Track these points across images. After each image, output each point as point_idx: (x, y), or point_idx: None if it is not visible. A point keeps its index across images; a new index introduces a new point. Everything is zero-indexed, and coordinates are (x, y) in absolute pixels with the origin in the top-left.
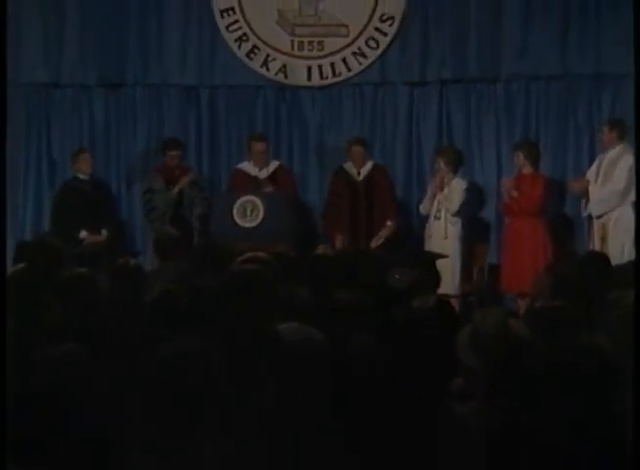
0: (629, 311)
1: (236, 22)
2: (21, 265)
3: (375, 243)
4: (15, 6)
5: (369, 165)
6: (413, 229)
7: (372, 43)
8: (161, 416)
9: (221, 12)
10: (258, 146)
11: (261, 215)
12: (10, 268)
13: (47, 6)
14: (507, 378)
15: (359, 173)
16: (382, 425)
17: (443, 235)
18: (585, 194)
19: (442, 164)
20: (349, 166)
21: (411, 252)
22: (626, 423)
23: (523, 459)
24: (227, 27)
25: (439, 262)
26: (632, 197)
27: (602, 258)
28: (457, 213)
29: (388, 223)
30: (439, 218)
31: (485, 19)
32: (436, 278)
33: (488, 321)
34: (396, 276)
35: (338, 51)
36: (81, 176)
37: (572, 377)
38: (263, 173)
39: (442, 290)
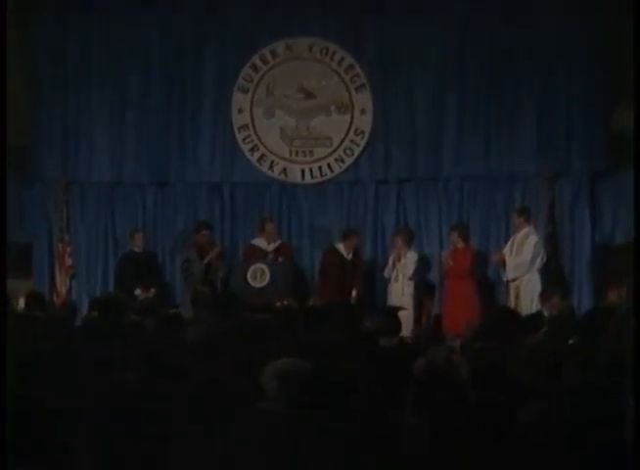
0: (533, 348)
1: (249, 136)
2: (93, 313)
3: (352, 299)
4: (88, 133)
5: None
6: (378, 289)
7: (348, 152)
8: (197, 421)
9: (238, 128)
10: (270, 226)
11: (268, 278)
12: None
13: (112, 130)
14: (452, 394)
15: (349, 254)
16: (358, 425)
17: (401, 293)
18: (503, 263)
19: (400, 241)
20: (341, 247)
21: (378, 306)
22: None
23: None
24: (243, 140)
25: (400, 313)
26: (538, 265)
27: (514, 311)
28: (411, 277)
29: (354, 293)
30: (398, 281)
31: (430, 135)
32: (399, 324)
33: (438, 355)
34: (367, 323)
35: (324, 158)
36: (136, 249)
37: (497, 391)
38: (271, 247)
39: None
